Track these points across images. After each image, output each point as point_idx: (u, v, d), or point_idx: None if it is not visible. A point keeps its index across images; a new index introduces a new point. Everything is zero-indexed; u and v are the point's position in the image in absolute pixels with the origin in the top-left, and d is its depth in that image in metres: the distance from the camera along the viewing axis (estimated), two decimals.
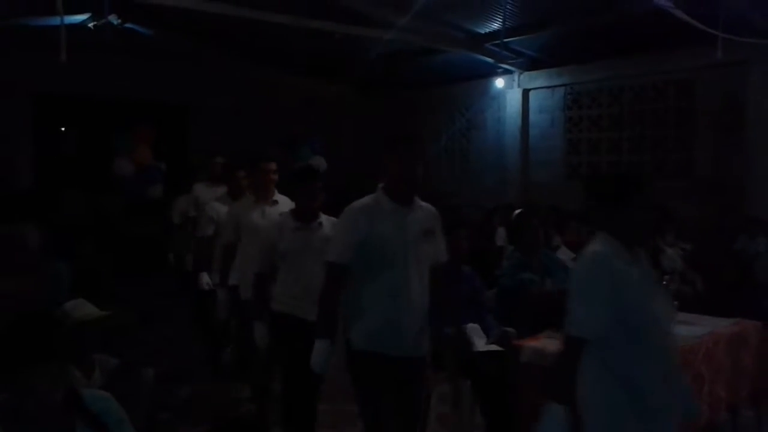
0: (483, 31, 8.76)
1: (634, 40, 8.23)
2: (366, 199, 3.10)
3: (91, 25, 7.51)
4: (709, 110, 8.59)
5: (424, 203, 3.19)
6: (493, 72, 10.15)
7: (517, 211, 4.59)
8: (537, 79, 10.20)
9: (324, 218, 3.94)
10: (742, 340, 3.93)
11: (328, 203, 4.01)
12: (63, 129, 10.42)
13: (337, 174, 10.57)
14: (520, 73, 10.22)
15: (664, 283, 4.25)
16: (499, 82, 10.39)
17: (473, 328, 4.12)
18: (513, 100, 10.49)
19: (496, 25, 8.24)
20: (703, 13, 6.08)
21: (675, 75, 8.85)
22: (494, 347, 3.99)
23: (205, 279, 5.33)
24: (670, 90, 9.04)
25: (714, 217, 8.11)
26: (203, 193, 6.03)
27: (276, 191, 4.68)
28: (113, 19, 7.38)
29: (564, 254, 5.11)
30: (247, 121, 10.34)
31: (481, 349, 3.97)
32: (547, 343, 3.60)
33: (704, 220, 8.13)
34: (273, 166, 4.65)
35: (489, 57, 9.16)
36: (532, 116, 10.44)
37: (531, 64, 10.00)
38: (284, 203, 4.50)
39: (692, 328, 3.80)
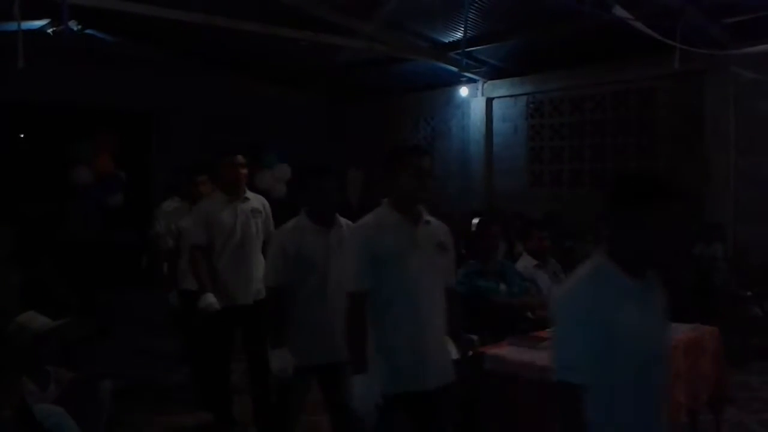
0: (446, 40, 8.83)
1: (595, 49, 8.37)
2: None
3: (50, 30, 7.37)
4: (669, 119, 8.78)
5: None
6: (457, 81, 10.22)
7: (476, 220, 4.65)
8: (500, 88, 10.31)
9: None
10: (699, 346, 4.00)
11: (292, 213, 3.97)
12: (21, 136, 10.21)
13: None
14: (484, 82, 10.32)
15: None
16: (463, 91, 10.48)
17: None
18: (477, 108, 10.58)
19: (459, 35, 8.30)
20: (661, 24, 6.21)
21: (635, 84, 9.02)
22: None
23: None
24: (630, 99, 9.21)
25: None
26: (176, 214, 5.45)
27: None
28: (73, 25, 7.25)
29: (526, 261, 5.17)
30: (212, 129, 10.23)
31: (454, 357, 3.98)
32: (510, 351, 3.62)
33: None
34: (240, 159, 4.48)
35: (453, 66, 9.22)
36: (496, 125, 10.54)
37: (494, 73, 10.11)
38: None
39: None
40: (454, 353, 4.01)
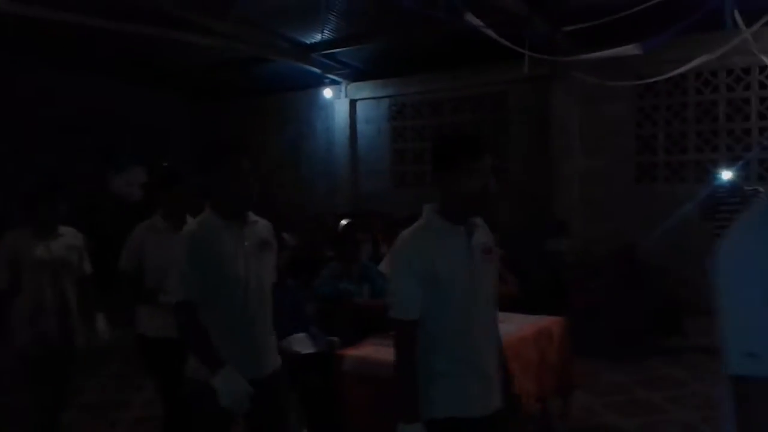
0: (308, 42, 8.82)
1: (453, 55, 8.68)
2: None
3: None
4: (520, 121, 9.26)
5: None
6: (320, 82, 10.25)
7: (343, 222, 4.67)
8: (363, 90, 10.45)
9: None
10: (547, 335, 4.23)
11: (150, 216, 3.75)
12: None
13: None
14: (347, 84, 10.42)
15: None
16: (327, 92, 10.52)
17: (299, 339, 4.12)
18: (341, 110, 10.66)
19: (321, 36, 8.33)
20: (511, 32, 6.52)
21: (490, 88, 9.45)
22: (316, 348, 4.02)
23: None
24: (486, 102, 9.64)
25: (525, 221, 8.73)
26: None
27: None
28: None
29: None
30: (60, 129, 9.60)
31: (304, 352, 3.96)
32: (369, 351, 3.66)
33: (517, 224, 8.73)
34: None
35: (315, 67, 9.23)
36: (360, 126, 10.67)
37: (357, 76, 10.22)
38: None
39: (503, 326, 4.03)
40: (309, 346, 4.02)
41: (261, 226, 2.82)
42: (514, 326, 4.04)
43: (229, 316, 2.61)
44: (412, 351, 2.16)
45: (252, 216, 2.77)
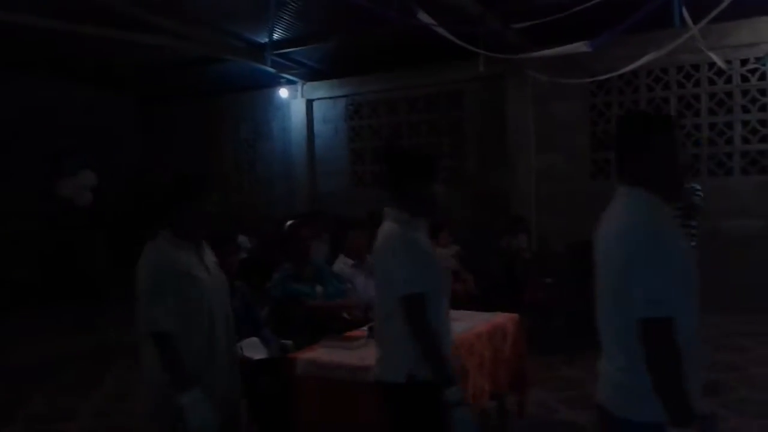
0: (263, 41, 8.71)
1: (408, 54, 8.66)
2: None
3: None
4: (476, 120, 9.31)
5: None
6: (276, 82, 10.15)
7: (288, 223, 4.61)
8: (319, 90, 10.39)
9: None
10: (501, 332, 4.23)
11: (103, 220, 3.64)
12: None
13: (115, 188, 9.89)
14: (303, 84, 10.34)
15: None
16: (283, 92, 10.42)
17: (251, 343, 4.05)
18: (297, 110, 10.58)
19: (275, 35, 8.23)
20: (465, 31, 6.52)
21: (445, 87, 9.47)
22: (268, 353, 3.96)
23: None
24: (441, 101, 9.66)
25: (482, 219, 8.78)
26: None
27: None
28: None
29: (343, 261, 5.20)
30: (5, 132, 9.31)
31: (256, 357, 3.90)
32: (322, 353, 3.61)
33: (474, 222, 8.78)
34: None
35: (270, 67, 9.11)
36: (317, 126, 10.60)
37: (313, 75, 10.15)
38: None
39: (458, 324, 4.03)
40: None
41: None
42: (469, 324, 4.03)
43: None
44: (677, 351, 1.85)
45: None
